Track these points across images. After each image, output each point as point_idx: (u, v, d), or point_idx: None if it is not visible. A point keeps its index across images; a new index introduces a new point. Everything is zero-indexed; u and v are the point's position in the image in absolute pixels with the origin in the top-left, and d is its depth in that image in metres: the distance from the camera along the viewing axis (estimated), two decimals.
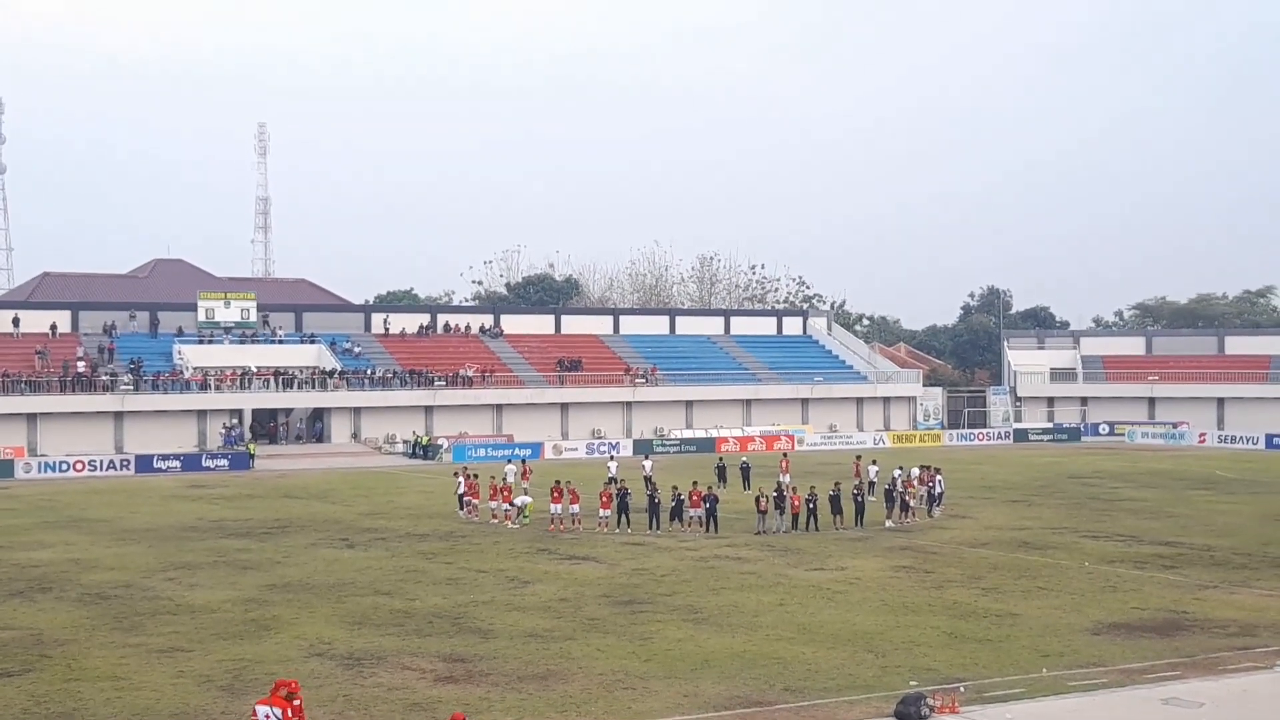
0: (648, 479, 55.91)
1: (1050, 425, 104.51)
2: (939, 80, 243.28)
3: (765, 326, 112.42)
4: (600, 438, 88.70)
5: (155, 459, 74.78)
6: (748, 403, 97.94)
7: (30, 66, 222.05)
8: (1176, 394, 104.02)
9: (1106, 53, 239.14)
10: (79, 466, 72.58)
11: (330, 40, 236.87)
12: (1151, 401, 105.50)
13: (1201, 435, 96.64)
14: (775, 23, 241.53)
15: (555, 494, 47.55)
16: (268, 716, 18.47)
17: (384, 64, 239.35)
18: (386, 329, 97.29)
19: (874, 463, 57.59)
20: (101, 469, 73.26)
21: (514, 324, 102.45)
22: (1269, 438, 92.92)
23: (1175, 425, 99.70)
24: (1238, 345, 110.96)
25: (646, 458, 66.33)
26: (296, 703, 18.77)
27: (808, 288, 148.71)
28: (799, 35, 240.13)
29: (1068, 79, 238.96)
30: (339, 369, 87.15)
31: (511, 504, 49.05)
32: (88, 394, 79.53)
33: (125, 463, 74.35)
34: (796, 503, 46.92)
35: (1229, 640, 28.63)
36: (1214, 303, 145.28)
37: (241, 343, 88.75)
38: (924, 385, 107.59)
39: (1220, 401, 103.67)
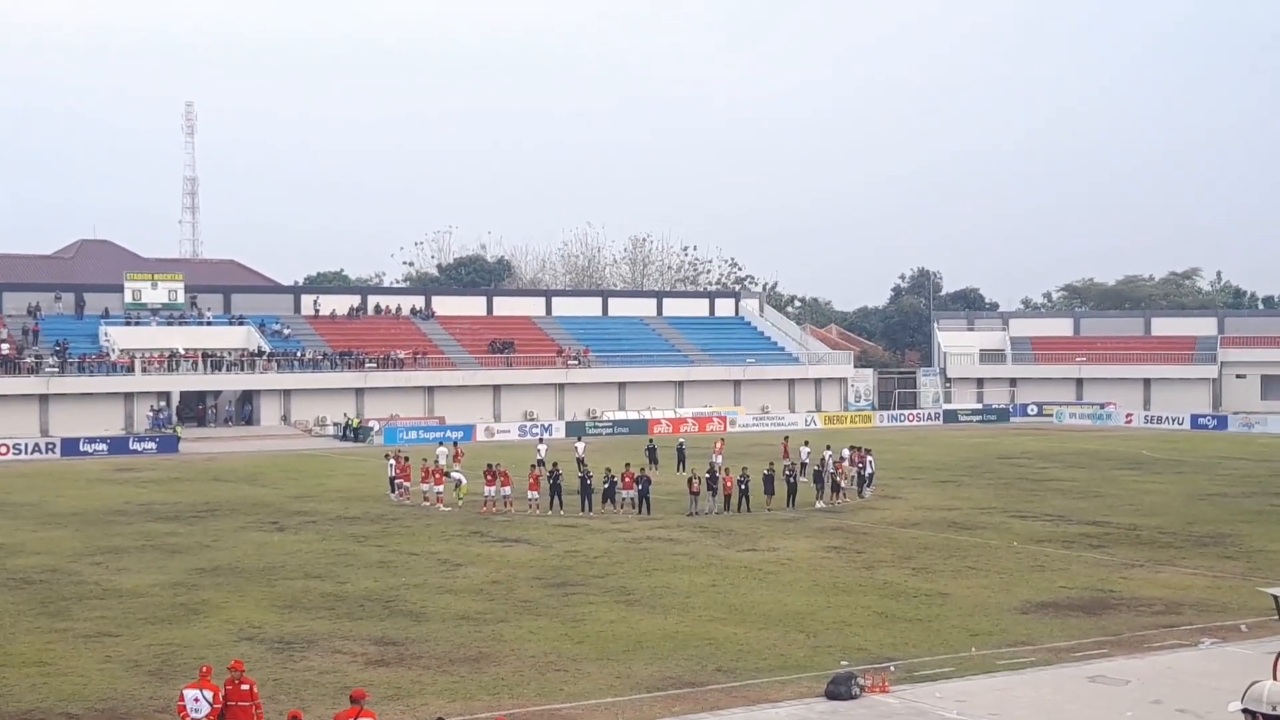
0: (580, 460, 55.89)
1: (979, 406, 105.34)
2: (874, 65, 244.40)
3: (698, 308, 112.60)
4: (532, 420, 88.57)
5: (81, 442, 73.92)
6: (680, 384, 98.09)
7: None
8: (1104, 375, 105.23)
9: (1042, 41, 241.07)
10: (3, 450, 71.57)
11: (259, 14, 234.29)
12: (1079, 382, 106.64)
13: (1128, 415, 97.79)
14: (712, 2, 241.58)
15: (488, 476, 47.44)
16: (197, 700, 18.31)
17: (312, 38, 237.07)
18: (316, 310, 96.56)
19: (805, 443, 57.83)
20: (26, 452, 72.31)
21: (445, 305, 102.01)
22: (1194, 418, 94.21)
23: (1102, 406, 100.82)
24: (1164, 326, 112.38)
25: (579, 439, 66.27)
26: (245, 687, 18.54)
27: (740, 269, 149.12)
28: (735, 16, 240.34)
29: (1002, 66, 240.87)
30: (268, 351, 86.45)
31: (442, 487, 48.92)
32: (12, 376, 78.41)
33: (51, 446, 73.45)
34: (729, 484, 47.06)
35: (1154, 618, 29.02)
36: (1141, 284, 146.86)
37: (169, 324, 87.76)
38: (855, 366, 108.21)
39: (1147, 382, 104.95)
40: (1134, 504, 49.24)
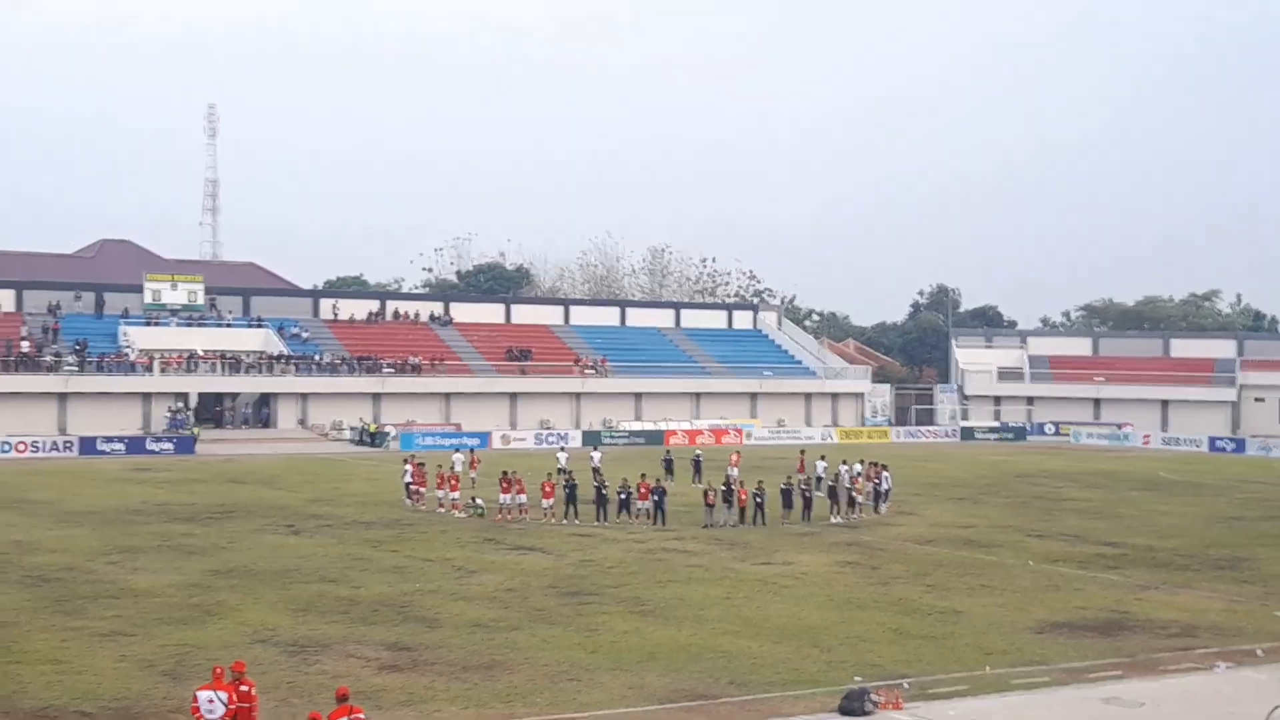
0: (596, 470, 55.86)
1: (997, 424, 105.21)
2: (894, 78, 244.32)
3: (716, 320, 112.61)
4: (549, 428, 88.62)
5: (99, 441, 74.19)
6: (697, 396, 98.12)
7: None
8: (1122, 395, 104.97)
9: (1061, 56, 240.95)
10: (21, 448, 71.86)
11: (283, 17, 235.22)
12: (1097, 402, 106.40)
13: (1145, 437, 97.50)
14: (730, 15, 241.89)
15: (504, 484, 47.46)
16: (211, 701, 18.33)
17: (335, 43, 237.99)
18: (335, 315, 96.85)
19: (822, 458, 57.73)
20: (45, 450, 72.58)
21: (464, 312, 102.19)
22: (1212, 440, 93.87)
23: (1120, 426, 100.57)
24: (1183, 348, 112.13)
25: (595, 449, 66.25)
26: (245, 689, 18.63)
27: (758, 282, 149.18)
28: (753, 28, 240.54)
29: (1021, 82, 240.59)
30: (286, 354, 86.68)
31: (458, 494, 48.94)
32: (32, 374, 78.74)
33: (69, 444, 73.73)
34: (744, 496, 47.02)
35: (1170, 641, 28.89)
36: (1160, 305, 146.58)
37: (188, 325, 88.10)
38: (872, 382, 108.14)
39: (1165, 404, 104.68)
40: (1151, 525, 49.06)
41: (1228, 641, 28.79)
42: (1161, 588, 35.67)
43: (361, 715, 18.08)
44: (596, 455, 61.50)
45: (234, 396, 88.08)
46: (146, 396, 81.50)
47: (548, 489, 47.62)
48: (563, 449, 67.51)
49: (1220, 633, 29.81)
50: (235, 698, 18.44)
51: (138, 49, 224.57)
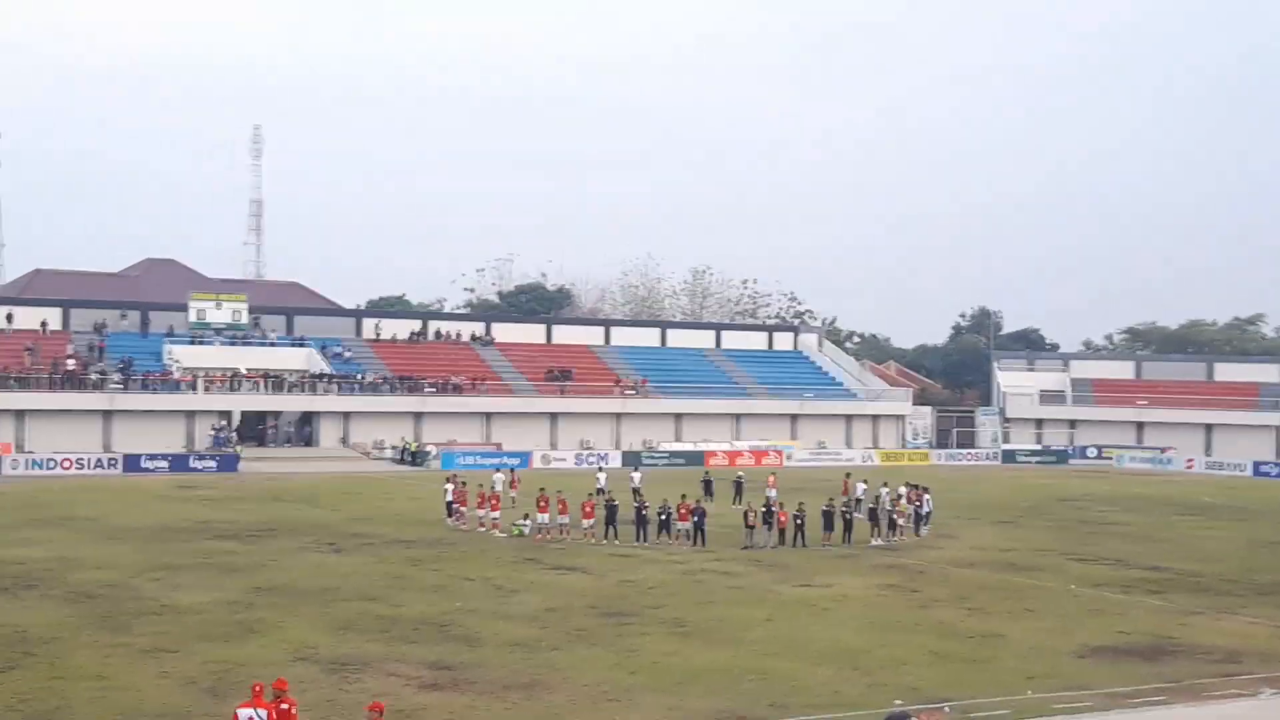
0: (636, 491, 55.81)
1: (1038, 447, 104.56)
2: (934, 100, 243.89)
3: (756, 341, 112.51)
4: (589, 448, 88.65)
5: (143, 459, 74.68)
6: (737, 417, 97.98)
7: (26, 63, 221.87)
8: (1165, 419, 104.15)
9: (1098, 76, 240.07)
10: (66, 464, 72.46)
11: (325, 44, 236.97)
12: (1140, 426, 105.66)
13: (1189, 461, 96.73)
14: (769, 41, 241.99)
15: (542, 503, 47.52)
16: (251, 719, 18.41)
17: (380, 69, 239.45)
18: (378, 334, 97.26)
19: (863, 481, 57.52)
20: (89, 467, 73.14)
21: (505, 332, 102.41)
22: (1256, 465, 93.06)
23: (1163, 450, 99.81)
24: (1227, 372, 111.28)
25: (636, 469, 66.17)
26: (285, 707, 18.72)
27: (799, 304, 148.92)
28: (793, 55, 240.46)
29: (1061, 101, 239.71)
30: (329, 373, 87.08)
31: (499, 513, 49.04)
32: (77, 392, 79.37)
33: (113, 461, 74.25)
34: (784, 518, 46.91)
35: (1214, 666, 28.66)
36: (1204, 329, 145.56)
37: (232, 344, 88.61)
38: (913, 404, 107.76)
39: (1208, 428, 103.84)
40: (1194, 550, 48.68)
41: (1273, 667, 28.54)
42: (1206, 613, 35.39)
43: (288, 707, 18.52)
44: (637, 476, 61.39)
45: (277, 415, 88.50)
46: (190, 415, 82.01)
47: (588, 509, 47.67)
48: (601, 469, 67.49)
49: (1265, 658, 29.55)
50: (275, 715, 18.52)
51: (184, 70, 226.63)
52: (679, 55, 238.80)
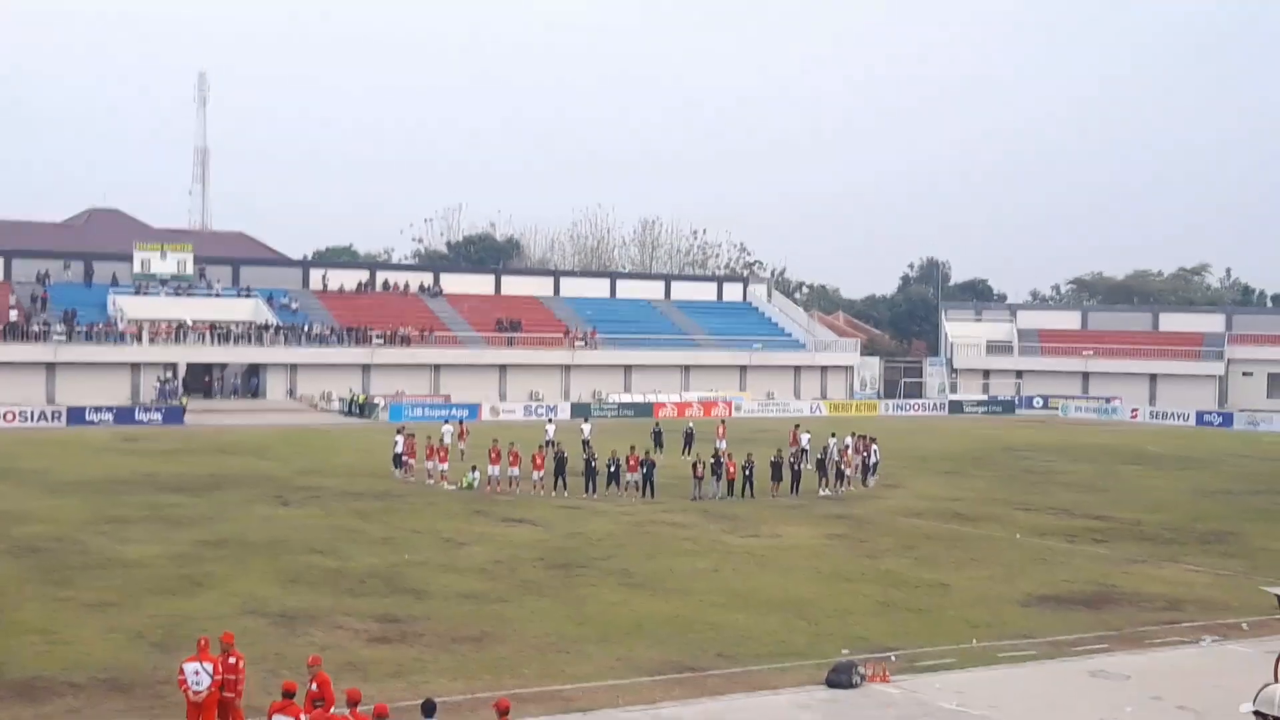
0: (585, 442, 55.90)
1: (985, 397, 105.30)
2: (882, 53, 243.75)
3: (706, 292, 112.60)
4: (538, 400, 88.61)
5: (88, 411, 74.07)
6: (686, 368, 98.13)
7: None
8: (1110, 369, 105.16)
9: (1050, 28, 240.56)
10: (9, 417, 71.73)
11: None
12: (1085, 376, 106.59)
13: (1134, 411, 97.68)
14: None
15: (494, 455, 47.49)
16: (197, 672, 18.34)
17: (325, 11, 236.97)
18: (325, 285, 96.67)
19: (806, 431, 57.72)
20: (33, 420, 72.46)
21: (454, 283, 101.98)
22: (1200, 414, 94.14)
23: (1108, 400, 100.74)
24: (1172, 322, 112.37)
25: (586, 421, 66.20)
26: (232, 660, 18.67)
27: (749, 254, 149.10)
28: (743, 4, 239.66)
29: (1010, 55, 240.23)
30: (276, 324, 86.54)
31: (447, 465, 49.01)
32: (20, 344, 78.55)
33: (57, 414, 73.61)
34: (733, 469, 47.09)
35: (1156, 614, 29.05)
36: (1150, 280, 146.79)
37: (177, 295, 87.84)
38: (861, 354, 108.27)
39: (1153, 378, 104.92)
40: (1138, 499, 49.24)
41: (1214, 615, 28.97)
42: (1148, 561, 35.84)
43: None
44: (587, 427, 61.48)
45: (223, 367, 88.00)
46: (135, 366, 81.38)
47: (539, 461, 47.69)
48: (550, 421, 67.54)
49: (1206, 606, 29.97)
50: (221, 668, 18.48)
51: (128, 17, 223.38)
52: (626, 2, 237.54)
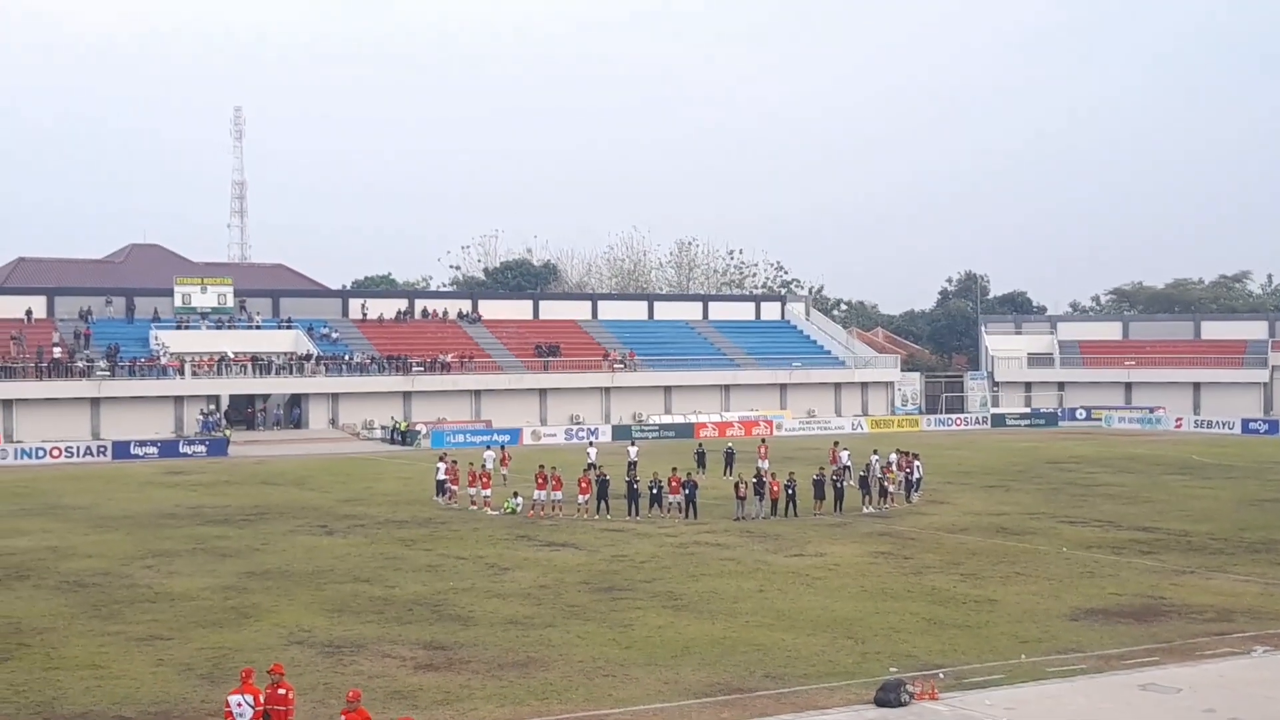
0: (631, 464, 55.77)
1: (1027, 410, 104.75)
2: (917, 63, 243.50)
3: (743, 312, 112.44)
4: (579, 423, 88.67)
5: (132, 445, 74.57)
6: (726, 388, 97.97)
7: (2, 45, 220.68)
8: (1153, 379, 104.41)
9: (1083, 35, 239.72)
10: (55, 453, 72.32)
11: (305, 18, 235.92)
12: (1128, 386, 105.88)
13: (1178, 420, 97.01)
14: (753, 10, 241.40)
15: (539, 480, 47.53)
16: (240, 705, 18.45)
17: (359, 43, 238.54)
18: (364, 314, 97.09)
19: (846, 449, 57.50)
20: (78, 455, 73.00)
21: (492, 309, 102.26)
22: (1244, 422, 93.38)
23: (1152, 410, 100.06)
24: (1214, 330, 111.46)
25: (632, 444, 66.10)
26: (282, 691, 18.74)
27: (786, 273, 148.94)
28: (775, 16, 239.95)
29: (1044, 61, 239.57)
30: (317, 354, 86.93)
31: (490, 491, 49.08)
32: (64, 380, 79.13)
33: (102, 449, 74.12)
34: (775, 488, 46.98)
35: (1206, 626, 28.79)
36: (1190, 288, 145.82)
37: (218, 328, 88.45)
38: (902, 370, 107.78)
39: (1196, 386, 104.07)
40: (1184, 509, 48.85)
41: (1264, 625, 28.70)
42: (1197, 572, 35.54)
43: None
44: (633, 450, 61.33)
45: (265, 398, 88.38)
46: (178, 400, 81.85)
47: (584, 485, 47.73)
48: (592, 444, 67.56)
49: (1256, 616, 29.70)
50: (269, 699, 18.56)
51: (163, 55, 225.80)
52: (660, 18, 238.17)
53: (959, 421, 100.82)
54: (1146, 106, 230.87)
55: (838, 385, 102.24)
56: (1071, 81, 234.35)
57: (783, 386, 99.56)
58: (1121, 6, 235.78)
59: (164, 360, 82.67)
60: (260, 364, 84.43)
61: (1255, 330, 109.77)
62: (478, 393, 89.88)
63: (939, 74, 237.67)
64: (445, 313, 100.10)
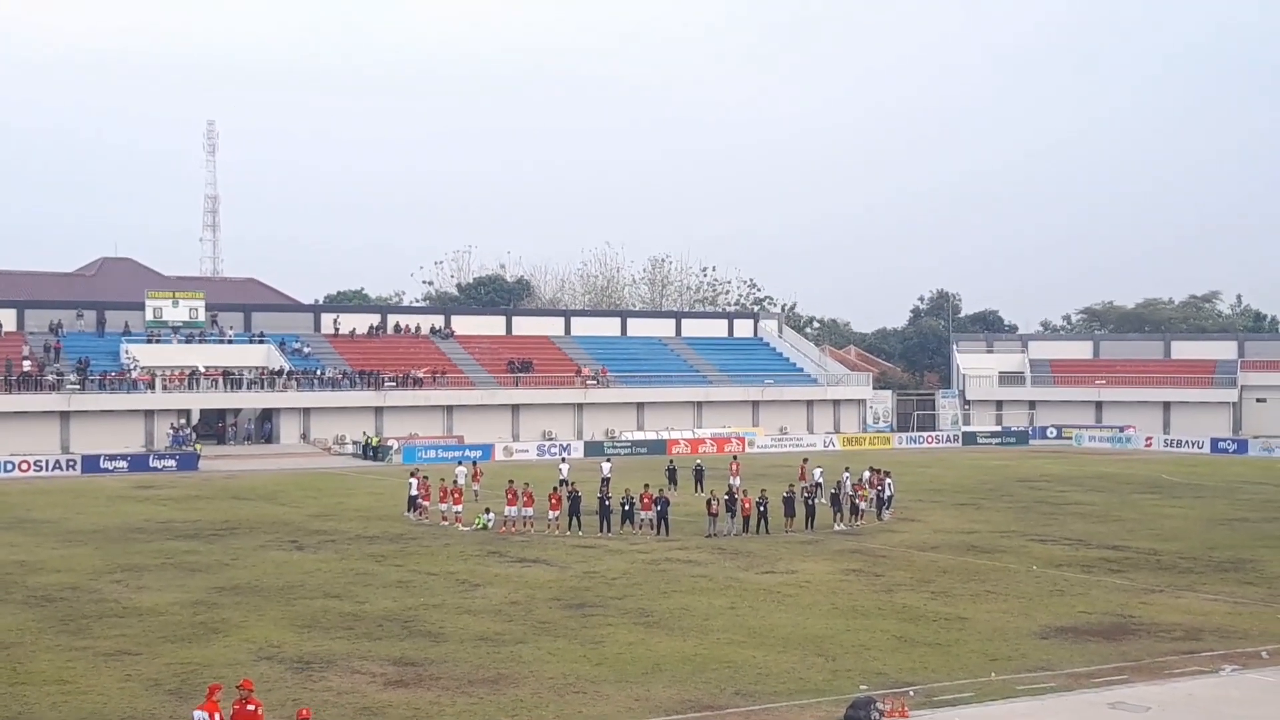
0: (605, 481, 55.62)
1: (998, 428, 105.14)
2: (889, 85, 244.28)
3: (716, 329, 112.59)
4: (551, 439, 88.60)
5: (102, 459, 74.16)
6: (699, 405, 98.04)
7: None
8: (1123, 398, 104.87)
9: (1057, 61, 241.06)
10: (24, 466, 71.85)
11: (278, 33, 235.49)
12: (1098, 405, 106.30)
13: (1148, 439, 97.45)
14: (729, 27, 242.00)
15: (510, 496, 47.47)
16: None
17: (332, 58, 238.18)
18: (336, 329, 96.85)
19: (817, 466, 57.53)
20: (47, 469, 72.55)
21: (465, 325, 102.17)
22: (1214, 441, 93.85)
23: (1122, 429, 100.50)
24: (1184, 350, 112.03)
25: (606, 460, 66.00)
26: (251, 708, 18.66)
27: (759, 290, 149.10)
28: (754, 40, 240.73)
29: (1017, 87, 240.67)
30: (288, 369, 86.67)
31: (461, 507, 48.98)
32: (33, 393, 78.69)
33: (71, 463, 73.69)
34: (747, 505, 47.01)
35: (1174, 644, 28.91)
36: (1160, 308, 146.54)
37: (189, 342, 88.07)
38: (874, 388, 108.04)
39: (1166, 405, 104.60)
40: (1154, 528, 49.07)
41: (1233, 644, 28.83)
42: (1166, 591, 35.69)
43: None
44: (606, 466, 61.17)
45: (236, 412, 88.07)
46: (149, 414, 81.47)
47: (554, 500, 47.66)
48: (564, 460, 67.43)
49: (1225, 635, 29.84)
50: (236, 716, 18.47)
51: (136, 67, 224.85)
52: (637, 38, 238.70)
53: (930, 439, 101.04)
54: (1118, 129, 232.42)
55: (810, 402, 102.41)
56: (1044, 106, 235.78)
57: (755, 403, 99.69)
58: (1094, 36, 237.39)
59: (134, 374, 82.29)
60: (231, 378, 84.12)
61: (1225, 350, 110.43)
62: (450, 408, 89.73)
63: (912, 97, 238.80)
64: (418, 328, 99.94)
